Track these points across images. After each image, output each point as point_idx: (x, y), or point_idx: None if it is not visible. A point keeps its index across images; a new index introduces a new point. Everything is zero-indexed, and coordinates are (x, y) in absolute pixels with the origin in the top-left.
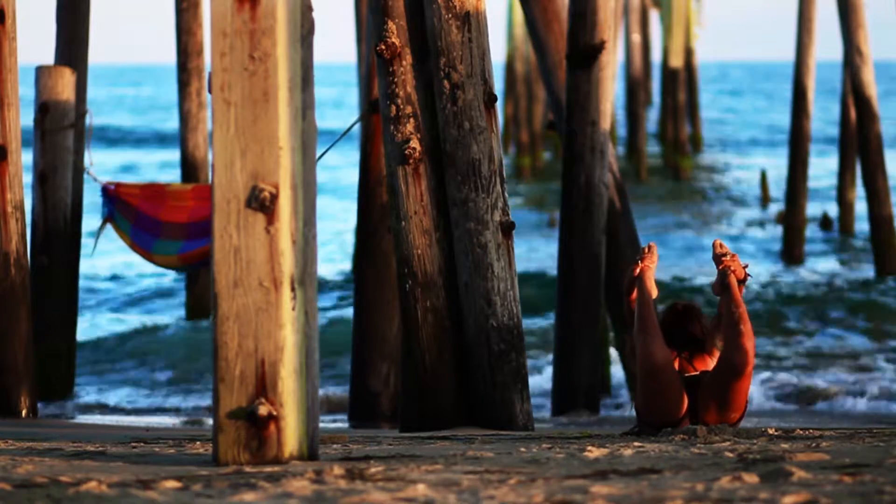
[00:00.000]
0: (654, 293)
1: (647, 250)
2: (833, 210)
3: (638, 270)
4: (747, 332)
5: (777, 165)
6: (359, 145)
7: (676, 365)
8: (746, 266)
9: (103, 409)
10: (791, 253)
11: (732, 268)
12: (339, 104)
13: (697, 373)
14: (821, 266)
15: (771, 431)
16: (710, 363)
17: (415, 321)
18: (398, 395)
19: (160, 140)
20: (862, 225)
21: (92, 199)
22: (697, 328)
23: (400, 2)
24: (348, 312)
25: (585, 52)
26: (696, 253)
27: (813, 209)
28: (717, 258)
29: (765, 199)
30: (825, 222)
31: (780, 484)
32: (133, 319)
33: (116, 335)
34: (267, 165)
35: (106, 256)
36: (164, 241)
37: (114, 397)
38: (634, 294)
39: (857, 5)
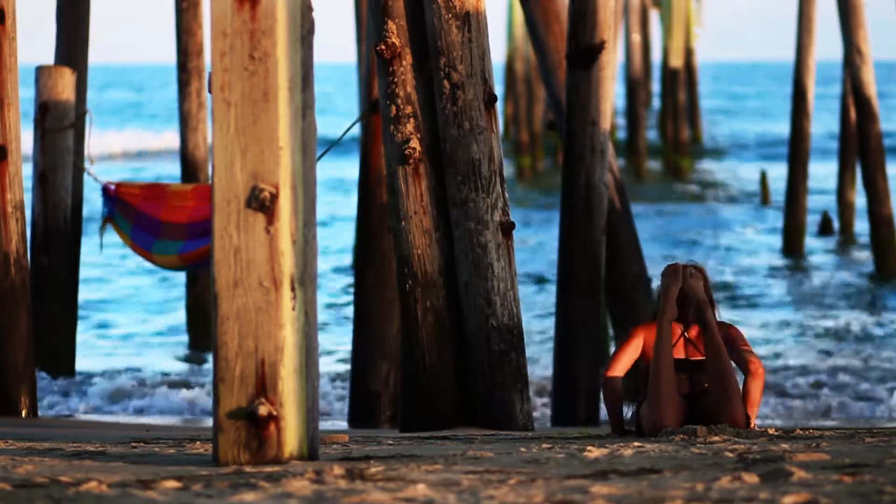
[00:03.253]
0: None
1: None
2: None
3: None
4: (735, 394)
5: (778, 165)
6: (359, 145)
7: (682, 350)
8: (693, 265)
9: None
10: (792, 252)
11: (694, 289)
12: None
13: (703, 358)
14: (821, 266)
15: (771, 431)
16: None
17: (415, 321)
18: (398, 395)
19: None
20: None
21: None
22: (701, 285)
23: (400, 2)
24: None
25: (585, 52)
26: (694, 254)
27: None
28: (673, 278)
29: (765, 199)
30: (825, 222)
31: (780, 484)
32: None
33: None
34: (267, 165)
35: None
36: (163, 240)
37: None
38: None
39: (857, 5)
